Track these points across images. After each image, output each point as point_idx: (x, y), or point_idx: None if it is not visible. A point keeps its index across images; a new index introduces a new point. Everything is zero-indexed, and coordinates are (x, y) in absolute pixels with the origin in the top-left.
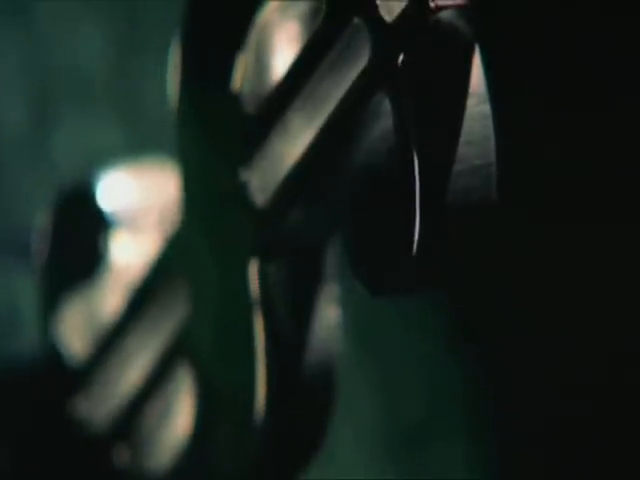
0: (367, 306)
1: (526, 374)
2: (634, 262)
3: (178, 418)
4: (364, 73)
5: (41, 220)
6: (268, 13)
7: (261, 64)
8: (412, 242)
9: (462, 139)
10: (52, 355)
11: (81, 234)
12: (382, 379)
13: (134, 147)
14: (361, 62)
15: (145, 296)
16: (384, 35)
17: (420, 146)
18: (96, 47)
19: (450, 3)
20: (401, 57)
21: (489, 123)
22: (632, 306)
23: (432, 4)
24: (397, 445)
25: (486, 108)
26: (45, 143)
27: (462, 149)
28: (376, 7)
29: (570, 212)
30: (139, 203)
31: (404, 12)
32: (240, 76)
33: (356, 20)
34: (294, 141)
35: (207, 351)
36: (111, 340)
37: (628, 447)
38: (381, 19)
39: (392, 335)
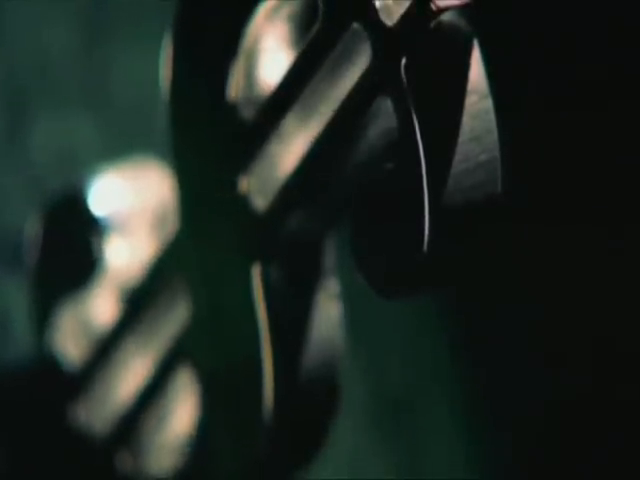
0: (360, 295)
1: (525, 373)
2: (634, 262)
3: (178, 421)
4: (365, 77)
5: (32, 225)
6: (259, 17)
7: (252, 67)
8: (422, 242)
9: (466, 137)
10: (47, 361)
11: (73, 238)
12: (374, 366)
13: (110, 141)
14: (358, 65)
15: (142, 300)
16: (385, 39)
17: (426, 148)
18: (64, 42)
19: (451, 4)
20: (403, 61)
21: (491, 117)
22: (632, 306)
23: (433, 6)
24: (393, 435)
25: (488, 103)
26: (21, 143)
27: (467, 147)
28: (376, 11)
29: (570, 212)
30: (130, 206)
31: (405, 15)
32: (235, 82)
33: (355, 25)
34: (292, 145)
35: (208, 353)
36: (108, 345)
37: (628, 447)
38: (382, 23)
39: (386, 325)
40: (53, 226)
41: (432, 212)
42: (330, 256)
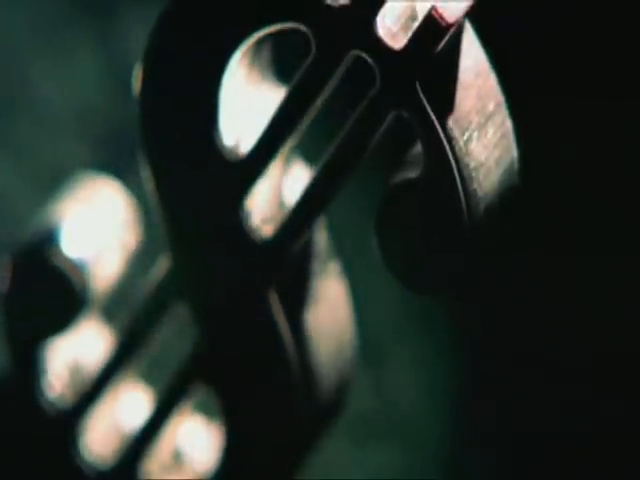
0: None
1: (524, 373)
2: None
3: (177, 440)
4: (374, 101)
5: (3, 269)
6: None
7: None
8: (465, 240)
9: (483, 120)
10: (40, 405)
11: (48, 281)
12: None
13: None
14: (361, 90)
15: (135, 329)
16: (396, 64)
17: (452, 150)
18: None
19: (460, 13)
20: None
21: (498, 90)
22: (632, 308)
23: (443, 23)
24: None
25: (493, 78)
26: None
27: (484, 130)
28: (380, 37)
29: (573, 213)
30: (98, 234)
31: (414, 36)
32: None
33: (354, 51)
34: (294, 172)
35: (223, 371)
36: (103, 378)
37: (628, 447)
38: (388, 48)
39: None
40: (26, 271)
41: (469, 209)
42: (324, 236)
